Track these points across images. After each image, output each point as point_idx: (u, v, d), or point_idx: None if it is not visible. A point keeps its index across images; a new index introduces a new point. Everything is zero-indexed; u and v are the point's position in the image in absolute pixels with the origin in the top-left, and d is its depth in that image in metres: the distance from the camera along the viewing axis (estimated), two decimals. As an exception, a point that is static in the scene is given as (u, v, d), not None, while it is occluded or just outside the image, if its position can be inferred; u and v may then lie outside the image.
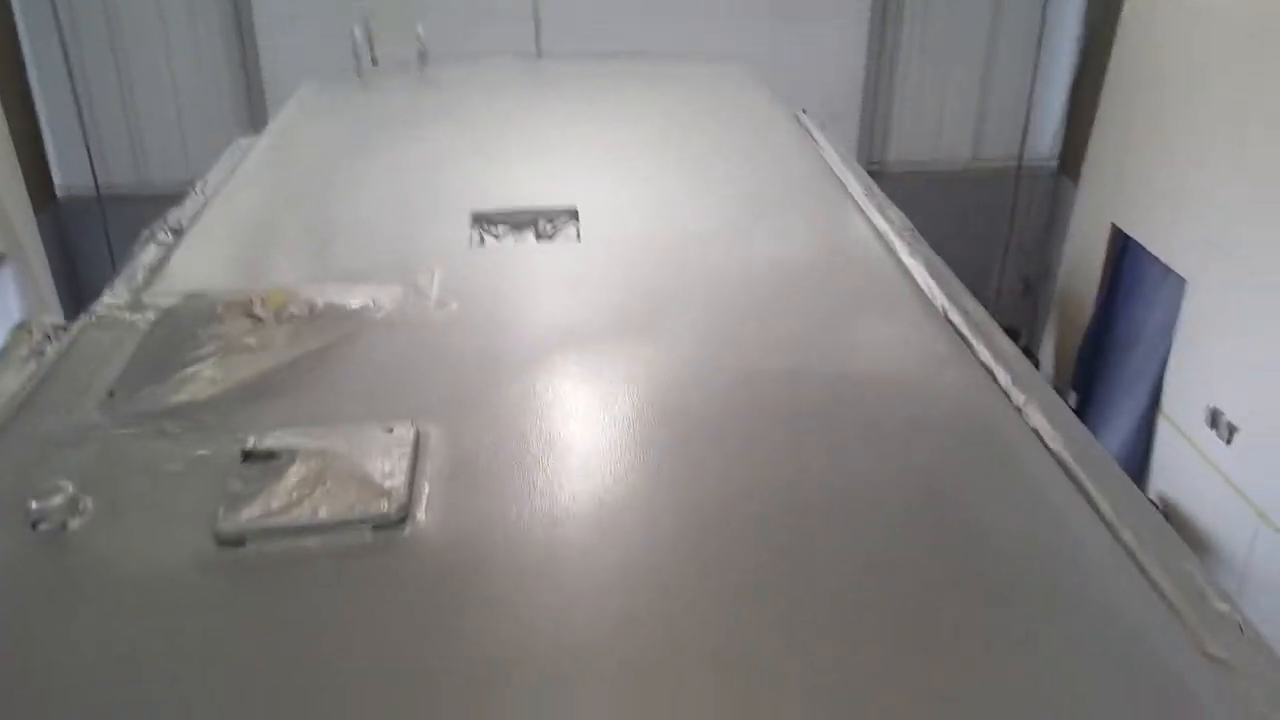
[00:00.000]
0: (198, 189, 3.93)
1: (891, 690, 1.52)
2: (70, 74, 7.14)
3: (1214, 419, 6.89)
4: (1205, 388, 7.00)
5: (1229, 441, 6.79)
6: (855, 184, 3.71)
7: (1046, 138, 8.93)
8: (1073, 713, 1.50)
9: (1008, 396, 2.31)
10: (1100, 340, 8.47)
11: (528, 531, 1.84)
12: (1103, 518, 1.91)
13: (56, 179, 7.42)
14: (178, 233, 3.40)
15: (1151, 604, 1.71)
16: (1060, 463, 2.07)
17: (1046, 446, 2.12)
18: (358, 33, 4.85)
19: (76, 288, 7.47)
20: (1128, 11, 7.95)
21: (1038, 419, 2.20)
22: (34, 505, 1.87)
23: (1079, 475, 2.02)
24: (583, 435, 2.14)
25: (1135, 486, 2.08)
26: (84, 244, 7.51)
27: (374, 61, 5.07)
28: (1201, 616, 1.67)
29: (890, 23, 7.95)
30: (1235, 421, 6.75)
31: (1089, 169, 8.56)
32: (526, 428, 2.15)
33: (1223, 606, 1.69)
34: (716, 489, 1.96)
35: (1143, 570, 1.77)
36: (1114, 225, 8.11)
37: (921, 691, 1.52)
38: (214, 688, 1.55)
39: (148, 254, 3.25)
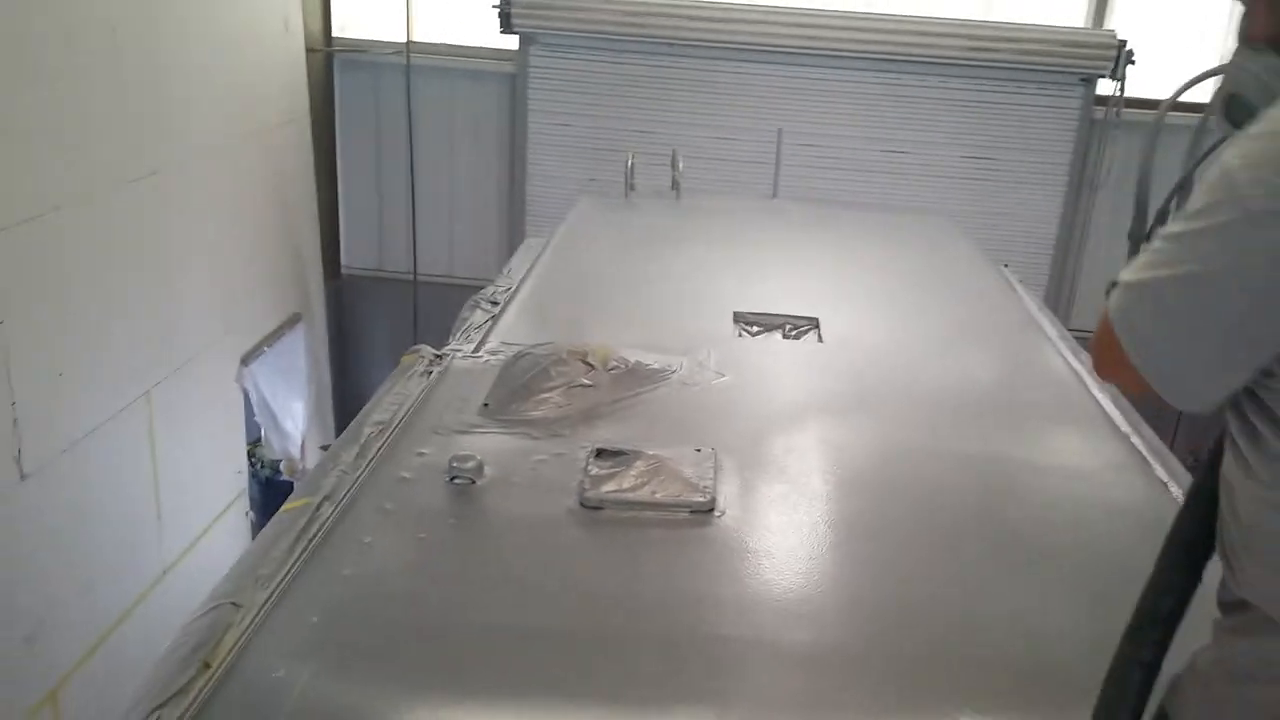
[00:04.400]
0: (505, 272, 4.92)
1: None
2: (378, 175, 8.55)
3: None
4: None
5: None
6: (1051, 329, 4.35)
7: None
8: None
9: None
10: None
11: (795, 528, 2.56)
12: None
13: (343, 259, 8.77)
14: (494, 304, 4.33)
15: None
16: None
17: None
18: (629, 161, 5.84)
19: (344, 349, 8.78)
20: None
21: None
22: (454, 464, 2.69)
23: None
24: (824, 469, 2.87)
25: None
26: (356, 314, 8.83)
27: (632, 188, 6.02)
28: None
29: (1085, 189, 8.48)
30: None
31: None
32: (787, 462, 2.89)
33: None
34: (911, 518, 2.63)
35: None
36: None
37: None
38: (576, 602, 2.25)
39: (476, 317, 4.18)
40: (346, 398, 9.08)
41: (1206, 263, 1.13)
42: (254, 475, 7.96)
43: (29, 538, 4.99)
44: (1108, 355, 1.27)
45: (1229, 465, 1.26)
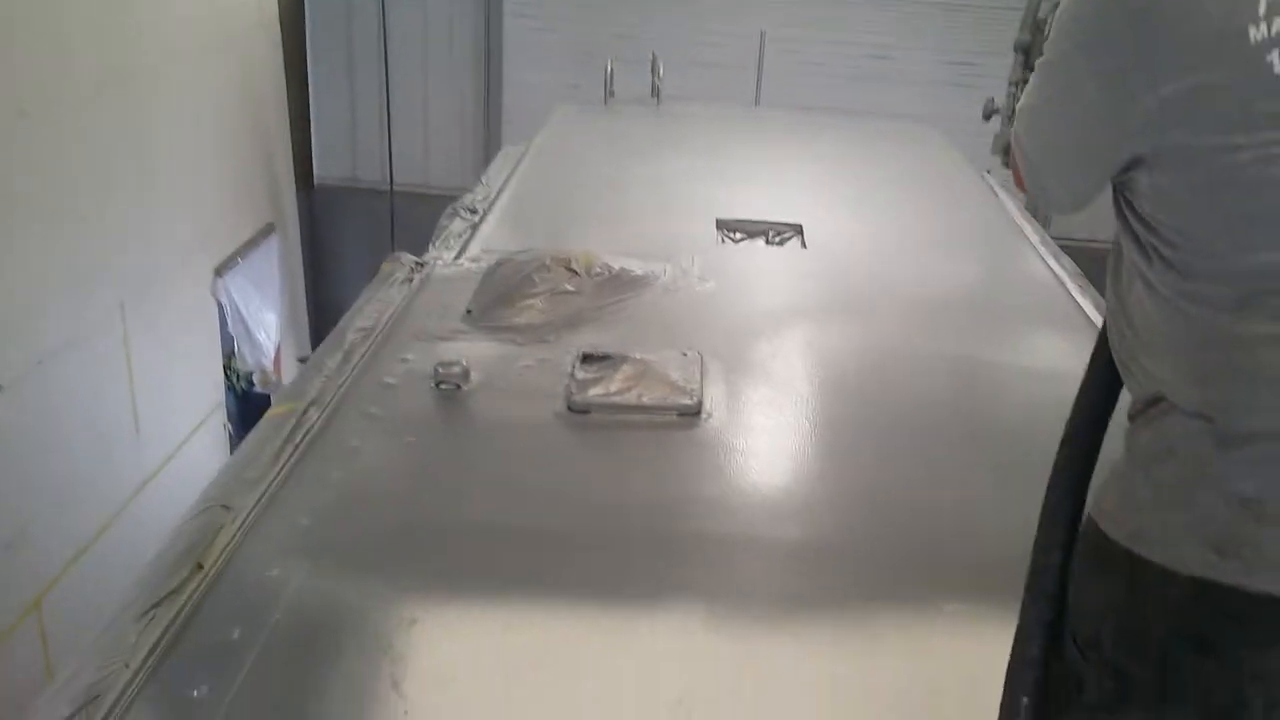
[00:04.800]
0: (483, 180, 4.85)
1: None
2: (350, 84, 8.36)
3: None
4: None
5: None
6: (1033, 235, 4.35)
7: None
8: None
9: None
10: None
11: (781, 429, 2.58)
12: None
13: (315, 169, 8.61)
14: (473, 212, 4.28)
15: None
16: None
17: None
18: (609, 67, 5.73)
19: (318, 260, 8.68)
20: None
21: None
22: (439, 370, 2.68)
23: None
24: (809, 372, 2.91)
25: None
26: (330, 225, 8.71)
27: (612, 94, 5.91)
28: None
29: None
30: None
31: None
32: (773, 366, 2.90)
33: None
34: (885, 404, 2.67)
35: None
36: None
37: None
38: (566, 503, 2.26)
39: (456, 226, 4.13)
40: (321, 308, 9.00)
41: (1054, 89, 1.38)
42: (230, 388, 7.91)
43: (5, 448, 4.96)
44: (1015, 170, 1.52)
45: (1114, 280, 1.47)
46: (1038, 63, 1.41)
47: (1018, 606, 1.59)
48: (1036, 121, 1.43)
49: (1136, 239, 1.36)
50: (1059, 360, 3.17)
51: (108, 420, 5.86)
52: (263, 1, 7.63)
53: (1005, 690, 1.51)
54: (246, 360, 7.97)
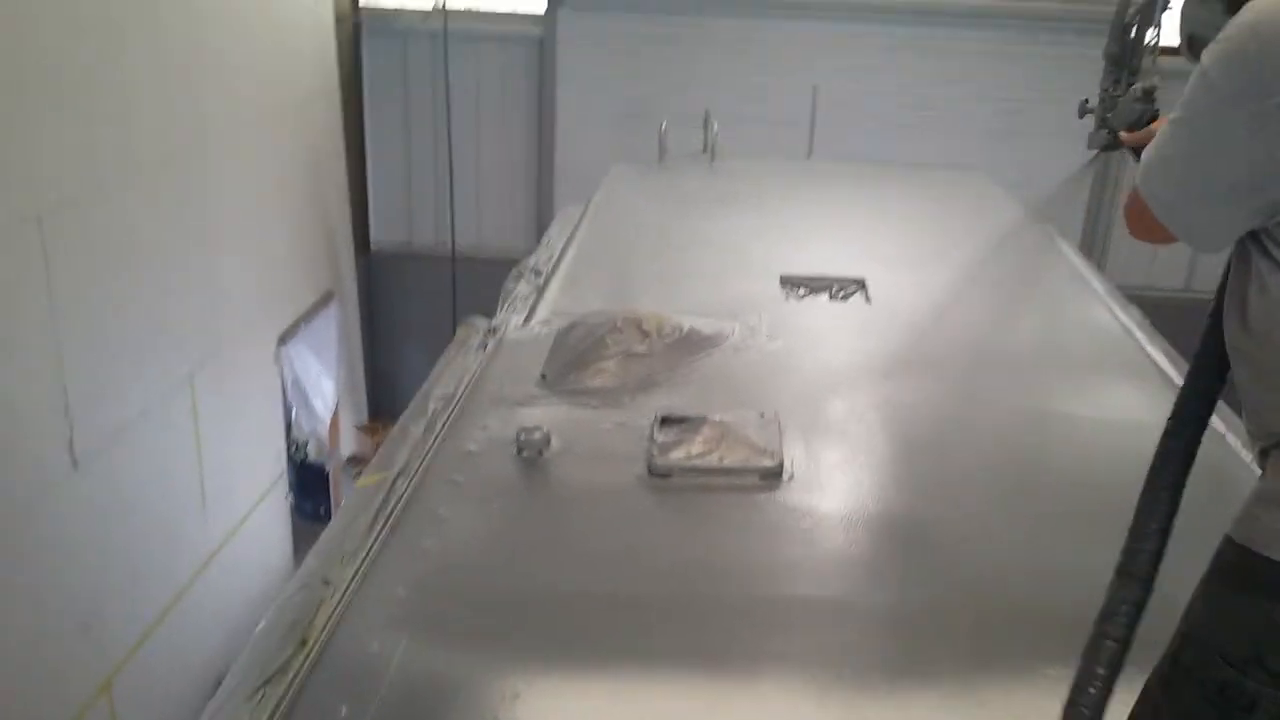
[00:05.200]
0: (544, 242, 4.93)
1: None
2: (407, 150, 8.54)
3: None
4: None
5: None
6: (1098, 285, 4.32)
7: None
8: None
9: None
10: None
11: (858, 488, 2.57)
12: None
13: (372, 234, 8.78)
14: (538, 274, 4.33)
15: None
16: None
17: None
18: (663, 126, 5.81)
19: (374, 326, 8.81)
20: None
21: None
22: (521, 436, 2.71)
23: None
24: (886, 430, 2.89)
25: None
26: (385, 291, 8.85)
27: (665, 152, 5.99)
28: None
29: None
30: None
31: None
32: (849, 425, 2.89)
33: None
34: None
35: None
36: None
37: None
38: (656, 568, 2.26)
39: (521, 289, 4.19)
40: (377, 375, 9.10)
41: (1200, 140, 1.50)
42: (289, 458, 7.97)
43: (81, 526, 5.04)
44: (1139, 219, 1.64)
45: (1233, 329, 1.56)
46: (1170, 119, 1.54)
47: (1129, 672, 1.58)
48: (1182, 169, 1.54)
49: (1263, 287, 1.48)
50: (1133, 411, 3.13)
51: (177, 493, 5.94)
52: (323, 69, 7.84)
53: (1084, 657, 1.58)
54: (303, 429, 8.05)
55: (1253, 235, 1.52)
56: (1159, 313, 3.96)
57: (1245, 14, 1.45)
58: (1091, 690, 1.56)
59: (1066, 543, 2.39)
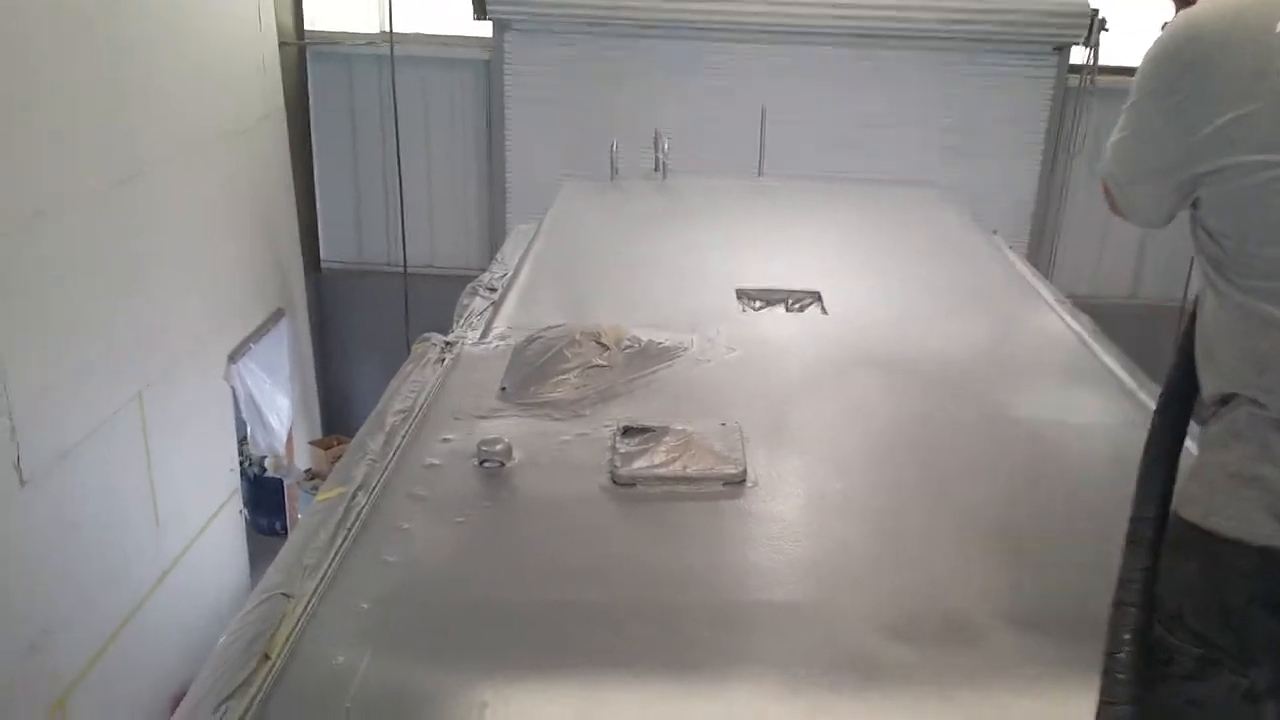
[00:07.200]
0: (498, 259, 4.92)
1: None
2: (355, 168, 8.49)
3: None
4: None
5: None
6: (1047, 293, 4.41)
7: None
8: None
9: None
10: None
11: (821, 494, 2.59)
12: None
13: (322, 252, 8.71)
14: (493, 290, 4.33)
15: None
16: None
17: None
18: (614, 144, 5.83)
19: (326, 343, 8.72)
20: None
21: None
22: (482, 448, 2.69)
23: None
24: (846, 437, 2.92)
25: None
26: (336, 308, 8.77)
27: (616, 171, 6.01)
28: None
29: (1061, 156, 8.55)
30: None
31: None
32: (810, 432, 2.92)
33: None
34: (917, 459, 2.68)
35: None
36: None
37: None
38: (621, 577, 2.26)
39: (476, 304, 4.18)
40: (331, 391, 9.01)
41: (1133, 126, 1.69)
42: (243, 473, 7.91)
43: (30, 545, 4.95)
44: (1107, 195, 1.83)
45: (1199, 303, 1.69)
46: (1122, 108, 1.71)
47: (1094, 665, 1.61)
48: (1123, 152, 1.74)
49: (1204, 253, 1.64)
50: (1089, 414, 3.21)
51: (128, 511, 5.85)
52: (268, 93, 7.79)
53: (1109, 628, 1.65)
54: (259, 445, 7.98)
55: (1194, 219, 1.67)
56: (1106, 319, 4.07)
57: (1178, 18, 1.64)
58: (1121, 655, 1.63)
59: (1031, 543, 2.43)
